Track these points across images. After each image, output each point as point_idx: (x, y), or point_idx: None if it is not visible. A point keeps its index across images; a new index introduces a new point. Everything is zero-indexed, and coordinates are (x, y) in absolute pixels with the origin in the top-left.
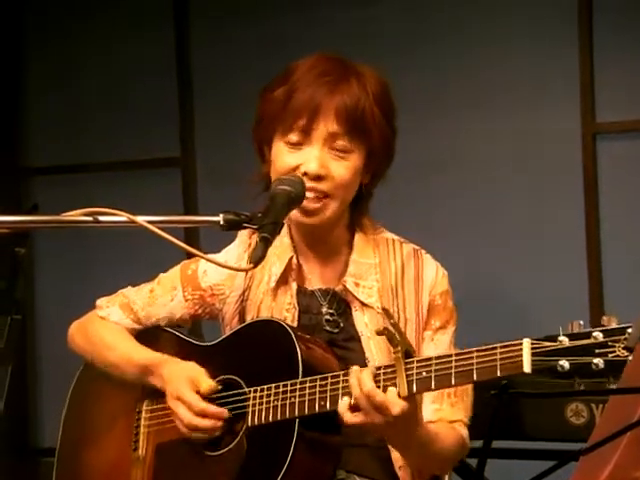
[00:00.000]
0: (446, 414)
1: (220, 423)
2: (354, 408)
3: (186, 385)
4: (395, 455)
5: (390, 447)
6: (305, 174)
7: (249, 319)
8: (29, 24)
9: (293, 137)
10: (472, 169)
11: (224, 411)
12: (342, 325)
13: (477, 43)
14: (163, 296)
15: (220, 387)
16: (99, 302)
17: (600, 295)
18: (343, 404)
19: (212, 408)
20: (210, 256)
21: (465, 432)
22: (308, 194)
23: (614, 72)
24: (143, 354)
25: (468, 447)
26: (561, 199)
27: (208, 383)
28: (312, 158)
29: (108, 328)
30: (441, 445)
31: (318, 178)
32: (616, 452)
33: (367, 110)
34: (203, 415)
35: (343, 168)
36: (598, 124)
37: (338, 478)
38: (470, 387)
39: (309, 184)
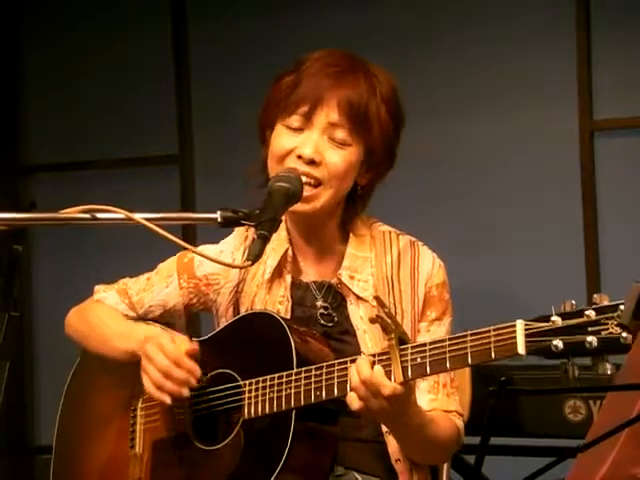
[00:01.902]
0: (441, 404)
1: (193, 381)
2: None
3: (167, 338)
4: (392, 448)
5: (386, 440)
6: (299, 157)
7: (243, 311)
8: (28, 23)
9: (294, 122)
10: (470, 167)
11: (197, 368)
12: (337, 319)
13: (474, 42)
14: (159, 283)
15: (197, 348)
16: (97, 287)
17: (597, 292)
18: (353, 396)
19: (187, 360)
20: (206, 247)
21: (460, 423)
22: (302, 178)
23: (611, 69)
24: (138, 327)
25: (463, 439)
26: (559, 196)
27: (189, 344)
28: (308, 142)
29: (104, 308)
30: (436, 430)
31: (312, 162)
32: (614, 449)
33: (372, 107)
34: (178, 365)
35: (338, 157)
36: (596, 121)
37: (337, 474)
38: (468, 384)
39: (303, 168)
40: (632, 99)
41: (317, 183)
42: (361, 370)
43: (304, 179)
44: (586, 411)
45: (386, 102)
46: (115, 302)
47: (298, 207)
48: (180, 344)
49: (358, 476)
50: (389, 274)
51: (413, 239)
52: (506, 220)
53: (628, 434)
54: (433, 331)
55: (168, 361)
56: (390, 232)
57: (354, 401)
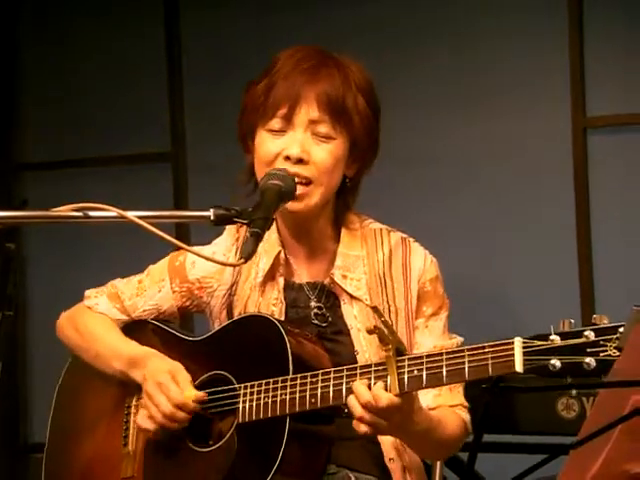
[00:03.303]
0: (445, 399)
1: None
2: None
3: (168, 376)
4: (385, 447)
5: (380, 440)
6: (287, 158)
7: (236, 314)
8: (24, 20)
9: (275, 124)
10: (462, 164)
11: (200, 408)
12: (330, 319)
13: (468, 40)
14: (151, 287)
15: (207, 398)
16: (88, 292)
17: (591, 290)
18: (356, 424)
19: (192, 404)
20: (199, 248)
21: (466, 416)
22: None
23: (604, 66)
24: (131, 346)
25: (470, 430)
26: (552, 193)
27: (194, 393)
28: (294, 142)
29: (96, 319)
30: (444, 430)
31: (300, 161)
32: (607, 445)
33: (349, 98)
34: (183, 409)
35: (325, 152)
36: (589, 118)
37: (329, 472)
38: None
39: (292, 169)
40: (625, 96)
41: (307, 182)
42: (360, 395)
43: (296, 179)
44: (579, 408)
45: (362, 91)
46: (107, 308)
47: (291, 206)
48: (182, 384)
49: (351, 474)
50: (381, 272)
51: (404, 236)
52: (499, 217)
53: (621, 430)
54: (431, 326)
55: (171, 405)
56: (381, 229)
57: (361, 427)
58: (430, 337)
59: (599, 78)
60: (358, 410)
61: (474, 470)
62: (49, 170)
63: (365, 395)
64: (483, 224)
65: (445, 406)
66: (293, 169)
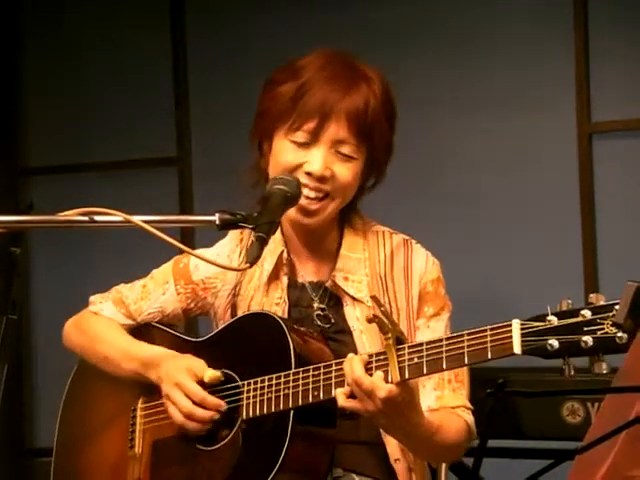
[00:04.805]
0: (448, 400)
1: (217, 416)
2: (350, 395)
3: (185, 374)
4: (391, 448)
5: (385, 441)
6: (309, 174)
7: (240, 314)
8: (26, 24)
9: (300, 137)
10: (469, 169)
11: (222, 403)
12: (333, 320)
13: (472, 43)
14: (155, 290)
15: (223, 377)
16: (92, 298)
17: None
18: (340, 391)
19: (211, 399)
20: (203, 250)
21: (469, 417)
22: (310, 193)
23: (610, 72)
24: (142, 348)
25: (474, 432)
26: (558, 198)
27: (211, 372)
28: (317, 159)
29: (103, 322)
30: (446, 434)
31: (322, 179)
32: (612, 451)
33: (375, 117)
34: (202, 405)
35: (346, 170)
36: (594, 124)
37: (335, 476)
38: (467, 377)
39: (312, 184)
40: (630, 102)
41: (324, 195)
42: (354, 369)
43: (313, 194)
44: (584, 413)
45: (383, 106)
46: (112, 313)
47: (305, 220)
48: (204, 373)
49: (357, 478)
50: (382, 273)
51: (407, 237)
52: (505, 222)
53: (626, 436)
54: (433, 326)
55: (191, 403)
56: (384, 231)
57: (340, 397)
58: (432, 337)
59: (604, 84)
60: (347, 378)
61: (479, 475)
62: (55, 174)
63: (357, 371)
64: (488, 228)
65: (447, 407)
66: (314, 184)
